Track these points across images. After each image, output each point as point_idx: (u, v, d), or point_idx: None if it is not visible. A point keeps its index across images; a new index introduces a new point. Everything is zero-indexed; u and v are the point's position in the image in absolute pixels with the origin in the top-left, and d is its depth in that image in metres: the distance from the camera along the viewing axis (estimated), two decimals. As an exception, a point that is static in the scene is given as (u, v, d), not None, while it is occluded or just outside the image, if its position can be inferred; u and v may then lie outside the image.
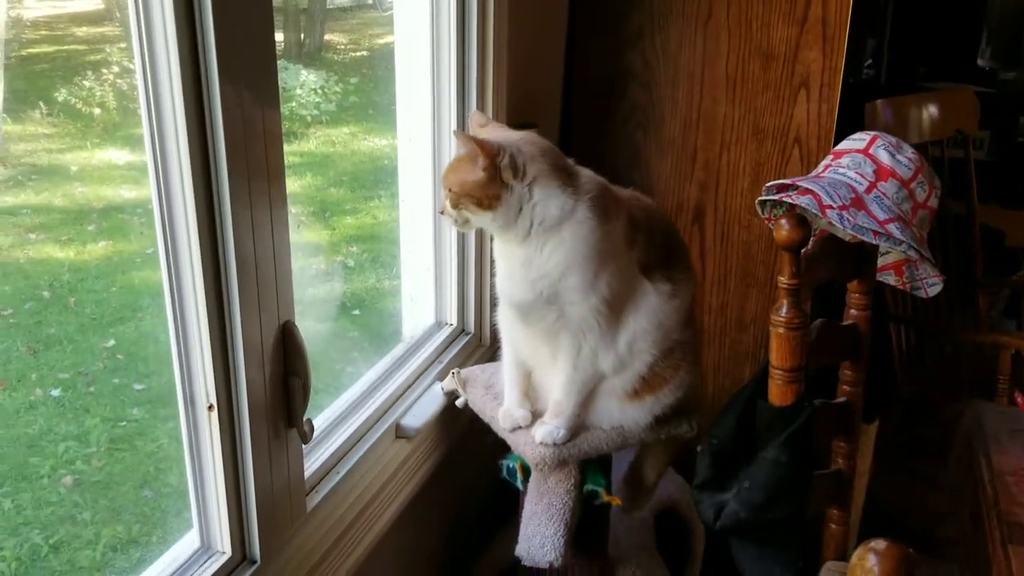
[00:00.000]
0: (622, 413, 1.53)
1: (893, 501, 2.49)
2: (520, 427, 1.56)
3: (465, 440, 1.81)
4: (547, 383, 1.55)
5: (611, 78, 2.31)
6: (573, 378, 1.48)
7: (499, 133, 1.42)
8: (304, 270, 2.15)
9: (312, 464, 1.40)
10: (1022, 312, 3.58)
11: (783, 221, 1.34)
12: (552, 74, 2.30)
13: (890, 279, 1.96)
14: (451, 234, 1.88)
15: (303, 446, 1.31)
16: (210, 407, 1.16)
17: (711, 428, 1.51)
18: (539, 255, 1.38)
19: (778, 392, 1.40)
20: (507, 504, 1.80)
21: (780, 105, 2.19)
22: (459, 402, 1.71)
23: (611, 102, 2.32)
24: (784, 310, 1.38)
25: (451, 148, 1.81)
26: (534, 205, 1.35)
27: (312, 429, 1.30)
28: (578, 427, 1.53)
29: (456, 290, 1.91)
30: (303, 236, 2.28)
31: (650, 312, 1.46)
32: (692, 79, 2.25)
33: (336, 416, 1.56)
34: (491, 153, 1.31)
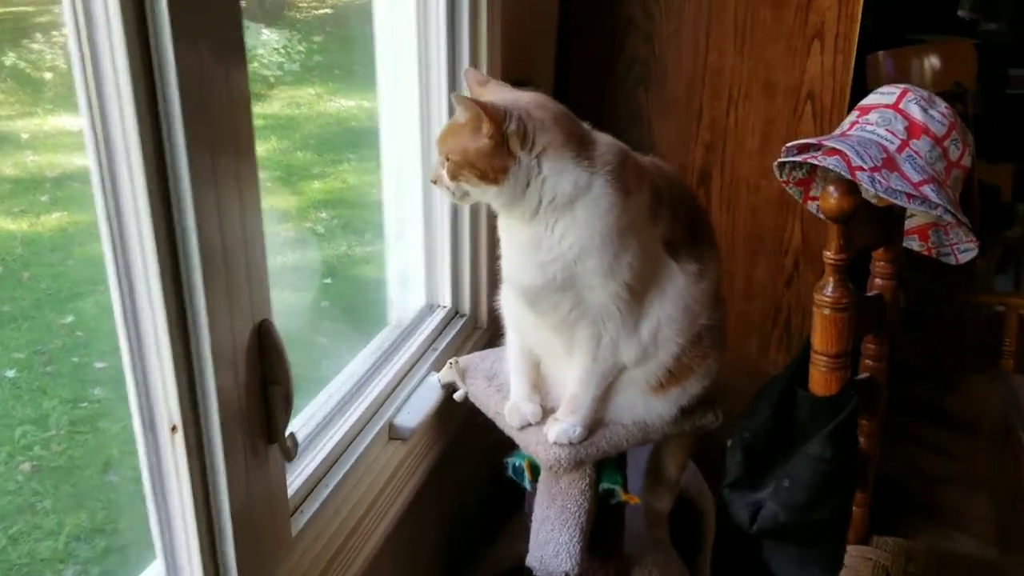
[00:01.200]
0: (646, 407, 1.36)
1: (898, 468, 2.37)
2: (530, 424, 1.39)
3: (463, 432, 1.64)
4: (559, 375, 1.38)
5: (609, 28, 2.12)
6: (592, 371, 1.31)
7: (503, 94, 1.23)
8: (271, 238, 2.16)
9: (296, 480, 1.22)
10: (1021, 269, 3.47)
11: (831, 188, 1.17)
12: (546, 25, 2.10)
13: (914, 244, 1.80)
14: (443, 205, 1.69)
15: (286, 464, 1.13)
16: (173, 428, 0.97)
17: (742, 420, 1.35)
18: (549, 235, 1.20)
19: (821, 380, 1.25)
20: (509, 499, 1.64)
21: (792, 57, 2.02)
22: (458, 395, 1.54)
23: (610, 55, 2.13)
24: (830, 288, 1.21)
25: (442, 110, 1.62)
26: (543, 180, 1.17)
27: (296, 444, 1.12)
28: (595, 423, 1.37)
29: (449, 268, 1.72)
30: (269, 202, 2.22)
31: (676, 296, 1.29)
32: (697, 29, 2.06)
33: (321, 419, 1.38)
34: (498, 119, 1.13)
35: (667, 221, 1.28)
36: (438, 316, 1.72)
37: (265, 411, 1.07)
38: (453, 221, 1.70)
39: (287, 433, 1.10)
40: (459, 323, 1.74)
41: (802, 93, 2.03)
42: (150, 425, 0.98)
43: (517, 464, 1.53)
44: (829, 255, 1.20)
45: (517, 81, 1.70)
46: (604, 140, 1.24)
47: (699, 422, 1.43)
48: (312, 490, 1.25)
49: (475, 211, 1.72)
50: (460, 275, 1.75)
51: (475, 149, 1.15)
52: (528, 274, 1.23)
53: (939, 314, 2.91)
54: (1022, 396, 1.53)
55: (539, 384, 1.41)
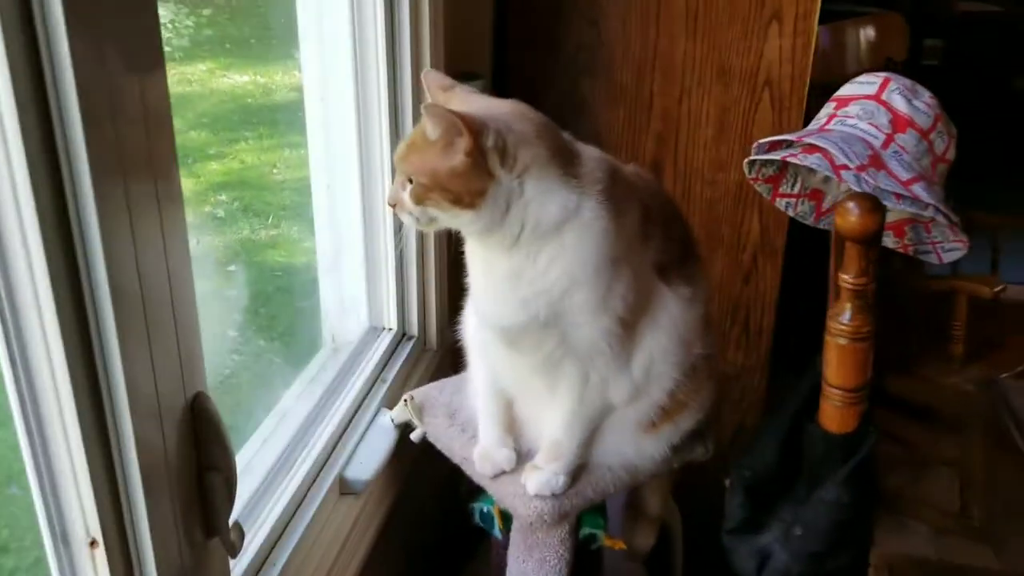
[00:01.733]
0: (636, 448, 1.21)
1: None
2: (504, 472, 1.22)
3: (420, 472, 1.46)
4: (536, 416, 1.22)
5: (551, 13, 1.94)
6: (577, 414, 1.15)
7: (474, 102, 1.04)
8: None
9: (239, 567, 1.02)
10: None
11: (851, 205, 1.03)
12: (481, 8, 1.91)
13: (888, 241, 1.70)
14: (385, 214, 1.49)
15: (230, 560, 0.93)
16: (92, 543, 0.76)
17: (741, 457, 1.21)
18: (532, 266, 1.03)
19: (836, 416, 1.11)
20: (472, 534, 1.48)
21: (749, 41, 1.88)
22: (415, 436, 1.36)
23: (552, 42, 1.95)
24: (848, 316, 1.08)
25: (382, 106, 1.41)
26: (527, 203, 1.00)
27: (242, 535, 0.93)
28: (579, 469, 1.21)
29: (395, 286, 1.53)
30: None
31: (670, 325, 1.14)
32: (646, 12, 1.91)
33: (262, 479, 1.18)
34: (476, 131, 0.94)
35: (658, 242, 1.13)
36: (384, 340, 1.52)
37: (203, 503, 0.86)
38: (397, 232, 1.50)
39: (231, 522, 0.90)
40: (408, 346, 1.55)
41: (759, 79, 1.90)
42: (62, 538, 0.77)
43: (485, 510, 1.36)
44: (848, 279, 1.06)
45: (462, 75, 1.52)
46: (590, 154, 1.07)
47: (688, 456, 1.29)
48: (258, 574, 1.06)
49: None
50: (407, 294, 1.56)
51: (448, 168, 0.96)
52: (507, 311, 1.06)
53: (888, 295, 2.87)
54: (1013, 399, 1.45)
55: (512, 425, 1.24)
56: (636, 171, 1.19)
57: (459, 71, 1.54)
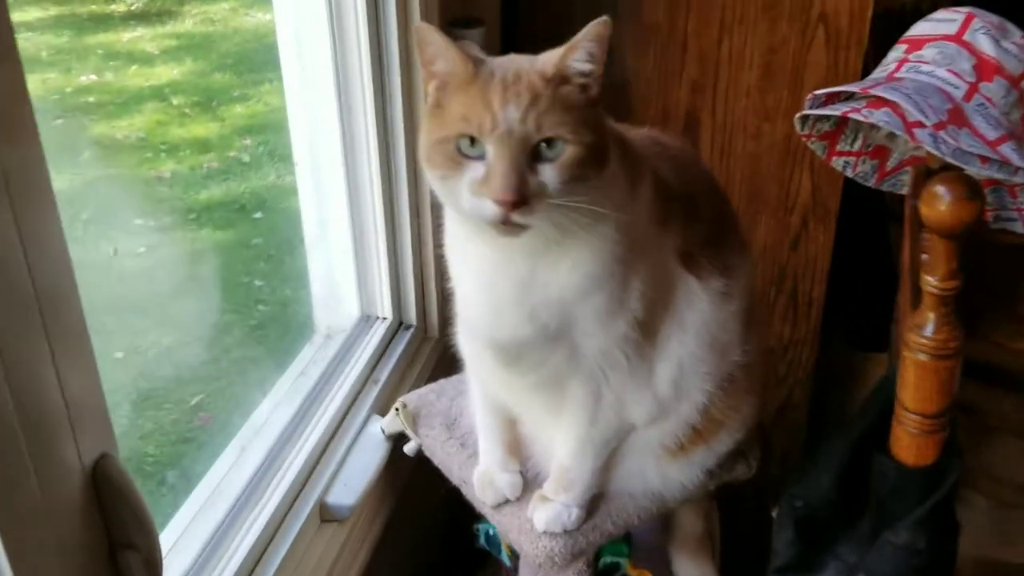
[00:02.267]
0: (661, 475, 1.02)
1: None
2: (508, 500, 1.04)
3: (414, 484, 1.28)
4: (544, 435, 1.03)
5: (570, -58, 1.69)
6: (589, 437, 0.96)
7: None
8: (195, 171, 1.98)
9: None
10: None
11: (940, 189, 0.80)
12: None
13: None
14: (374, 191, 1.29)
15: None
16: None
17: (793, 483, 1.02)
18: (551, 272, 0.85)
19: (912, 445, 0.91)
20: (475, 557, 1.31)
21: (800, -31, 1.62)
22: (409, 448, 1.18)
23: (572, -24, 1.71)
24: (931, 327, 0.86)
25: (363, 57, 1.19)
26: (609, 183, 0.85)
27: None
28: (595, 499, 1.02)
29: (388, 271, 1.34)
30: (190, 131, 2.06)
31: (700, 326, 0.94)
32: (680, -63, 1.65)
33: (233, 506, 1.01)
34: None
35: (680, 223, 0.92)
36: (378, 331, 1.34)
37: (117, 590, 0.70)
38: (388, 210, 1.31)
39: (160, 603, 0.74)
40: (405, 337, 1.36)
41: (812, 14, 1.65)
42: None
43: (491, 533, 1.19)
44: (933, 283, 0.84)
45: (461, 21, 1.30)
46: None
47: (726, 477, 1.10)
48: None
49: (416, 194, 1.32)
50: (403, 278, 1.36)
51: (588, 110, 0.82)
52: (511, 324, 0.87)
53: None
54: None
55: (516, 445, 1.06)
56: (649, 135, 0.99)
57: (457, 15, 1.32)
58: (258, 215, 2.02)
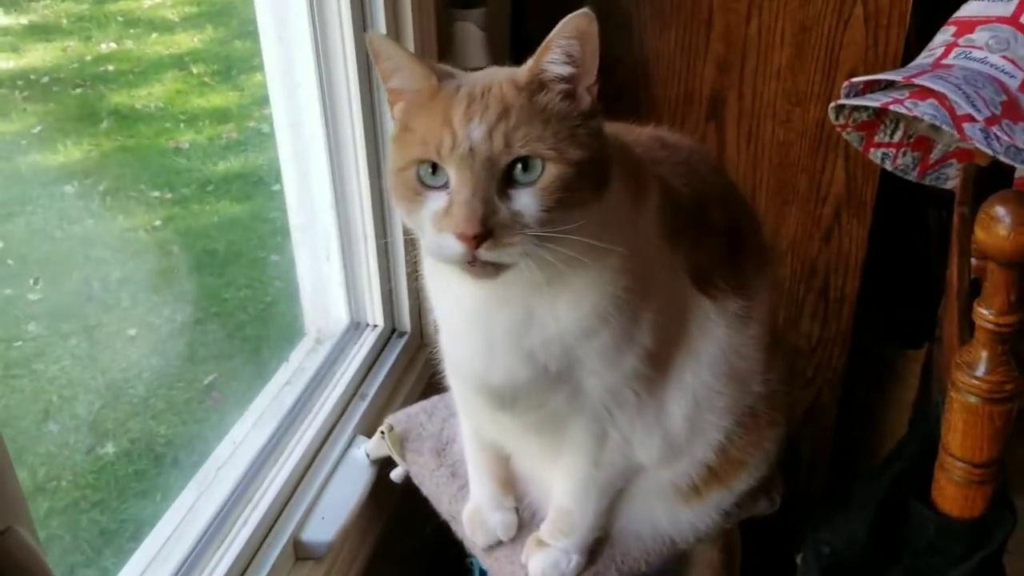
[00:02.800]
0: (671, 519, 0.91)
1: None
2: (501, 542, 0.94)
3: (399, 512, 1.17)
4: (541, 475, 0.92)
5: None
6: (592, 479, 0.86)
7: None
8: (213, 141, 1.95)
9: None
10: None
11: (999, 211, 0.68)
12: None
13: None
14: (361, 186, 1.18)
15: None
16: None
17: (820, 527, 0.90)
18: (550, 309, 0.74)
19: (959, 496, 0.79)
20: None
21: (837, -62, 1.48)
22: (395, 475, 1.08)
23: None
24: (983, 367, 0.74)
25: (347, 43, 1.07)
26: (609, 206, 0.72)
27: None
28: (598, 542, 0.91)
29: (378, 273, 1.23)
30: (210, 101, 2.05)
31: (715, 355, 0.83)
32: (706, -97, 1.52)
33: (198, 540, 0.92)
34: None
35: (691, 238, 0.80)
36: (368, 340, 1.23)
37: None
38: (376, 206, 1.19)
39: None
40: (398, 346, 1.26)
41: (850, -12, 1.51)
42: None
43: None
44: (988, 316, 0.72)
45: (460, 1, 1.18)
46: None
47: (746, 513, 0.99)
48: None
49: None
50: (395, 279, 1.25)
51: (575, 121, 0.70)
52: (504, 368, 0.76)
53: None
54: None
55: (511, 481, 0.95)
56: (653, 135, 0.87)
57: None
58: (276, 187, 1.97)
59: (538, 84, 0.67)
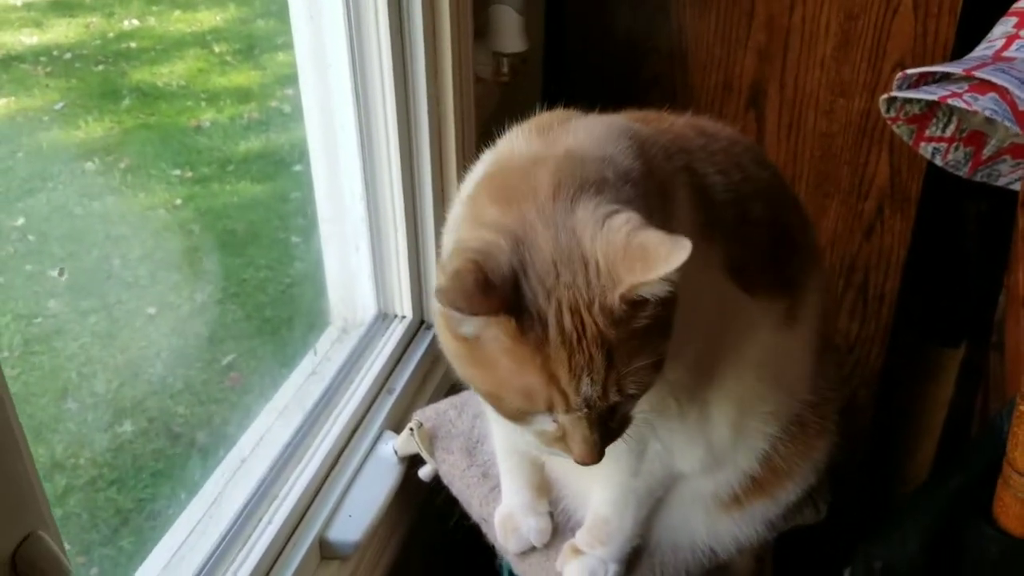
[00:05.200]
0: (712, 529, 0.88)
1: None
2: (534, 548, 0.91)
3: (427, 510, 1.14)
4: (577, 481, 0.89)
5: None
6: (632, 488, 0.82)
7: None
8: (235, 121, 1.94)
9: None
10: None
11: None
12: None
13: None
14: (392, 173, 1.14)
15: None
16: None
17: (872, 542, 0.86)
18: None
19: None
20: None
21: (888, -78, 1.43)
22: (424, 473, 1.05)
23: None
24: (1056, 381, 0.69)
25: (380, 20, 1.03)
26: None
27: None
28: (635, 551, 0.88)
29: (408, 262, 1.19)
30: (231, 79, 2.03)
31: (760, 357, 0.79)
32: None
33: (222, 538, 0.89)
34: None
35: (728, 233, 0.75)
36: (396, 332, 1.20)
37: None
38: (408, 193, 1.16)
39: None
40: (426, 338, 1.22)
41: (899, -24, 1.45)
42: None
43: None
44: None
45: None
46: (608, 153, 0.69)
47: (789, 524, 0.95)
48: None
49: (440, 175, 1.17)
50: (424, 268, 1.22)
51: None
52: None
53: None
54: None
55: (545, 485, 0.92)
56: (692, 124, 0.82)
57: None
58: (297, 168, 1.85)
59: (632, 306, 0.60)
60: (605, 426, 0.63)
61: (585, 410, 0.61)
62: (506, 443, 0.89)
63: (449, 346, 0.66)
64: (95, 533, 1.19)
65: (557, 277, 0.60)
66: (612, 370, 0.60)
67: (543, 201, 0.62)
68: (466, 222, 0.67)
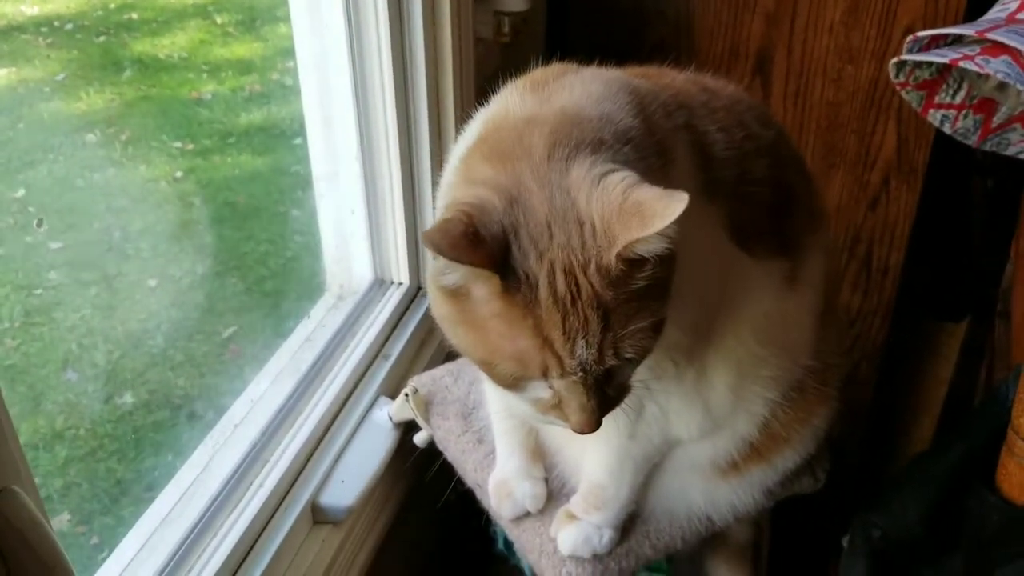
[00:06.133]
0: (707, 497, 0.87)
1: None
2: (529, 514, 0.89)
3: (421, 476, 1.13)
4: (572, 446, 0.87)
5: None
6: (628, 453, 0.80)
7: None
8: (236, 93, 1.93)
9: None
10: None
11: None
12: None
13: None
14: (388, 134, 1.12)
15: None
16: None
17: (871, 510, 0.85)
18: None
19: (1027, 484, 0.73)
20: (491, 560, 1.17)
21: None
22: (419, 438, 1.04)
23: None
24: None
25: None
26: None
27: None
28: (630, 518, 0.87)
29: (404, 227, 1.17)
30: (233, 51, 2.01)
31: (759, 319, 0.77)
32: None
33: (211, 503, 0.88)
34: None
35: (728, 191, 0.73)
36: (392, 298, 1.18)
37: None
38: (405, 156, 1.14)
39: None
40: (423, 305, 1.20)
41: (911, -63, 1.42)
42: None
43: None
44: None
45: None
46: (605, 111, 0.67)
47: (788, 491, 0.93)
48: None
49: (438, 137, 1.15)
50: (422, 233, 1.19)
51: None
52: None
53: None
54: None
55: (540, 450, 0.90)
56: (694, 80, 0.80)
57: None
58: (298, 141, 1.93)
59: (629, 265, 0.58)
60: (602, 393, 0.62)
61: (581, 374, 0.59)
62: (500, 404, 0.87)
63: (440, 310, 0.64)
64: (95, 503, 1.19)
65: (551, 238, 0.58)
66: (608, 332, 0.58)
67: (538, 162, 0.61)
68: (460, 182, 0.65)
